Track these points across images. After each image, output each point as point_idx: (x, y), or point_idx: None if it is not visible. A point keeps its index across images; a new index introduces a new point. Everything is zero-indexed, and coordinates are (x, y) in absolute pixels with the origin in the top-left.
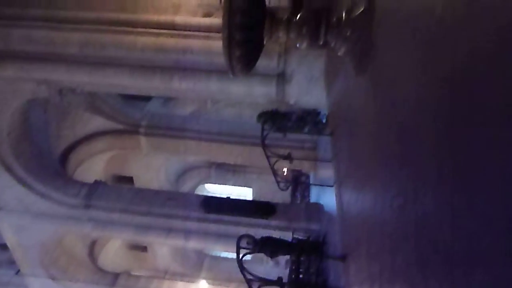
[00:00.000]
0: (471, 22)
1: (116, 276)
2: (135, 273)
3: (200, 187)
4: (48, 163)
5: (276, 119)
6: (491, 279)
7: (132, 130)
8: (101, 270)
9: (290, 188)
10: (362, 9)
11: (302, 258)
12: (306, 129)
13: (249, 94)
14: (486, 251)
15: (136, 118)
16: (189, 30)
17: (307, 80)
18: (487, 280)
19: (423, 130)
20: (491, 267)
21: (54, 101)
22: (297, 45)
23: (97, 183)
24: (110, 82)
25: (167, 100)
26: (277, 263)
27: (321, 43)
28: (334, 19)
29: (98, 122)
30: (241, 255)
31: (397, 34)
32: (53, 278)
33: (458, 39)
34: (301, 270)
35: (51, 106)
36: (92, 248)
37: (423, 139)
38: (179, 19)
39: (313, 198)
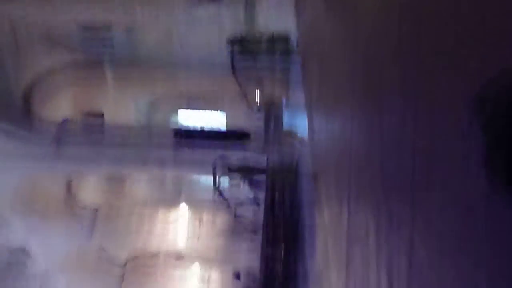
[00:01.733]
0: None
1: (96, 209)
2: (116, 204)
3: (173, 117)
4: (10, 103)
5: (246, 43)
6: (448, 196)
7: (95, 62)
8: (80, 205)
9: (263, 114)
10: None
11: (276, 180)
12: (276, 53)
13: (218, 18)
14: (446, 170)
15: (98, 49)
16: None
17: (276, 3)
18: (445, 197)
19: (386, 60)
20: (449, 189)
21: (6, 38)
22: None
23: (65, 120)
24: (65, 10)
25: (130, 29)
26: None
27: None
28: None
29: (57, 56)
30: (217, 178)
31: None
32: (33, 215)
33: None
34: (275, 191)
35: (4, 44)
36: (69, 184)
37: (386, 70)
38: None
39: (286, 122)
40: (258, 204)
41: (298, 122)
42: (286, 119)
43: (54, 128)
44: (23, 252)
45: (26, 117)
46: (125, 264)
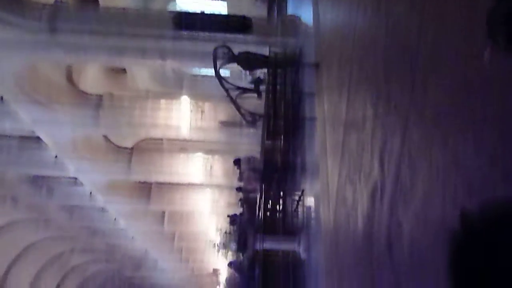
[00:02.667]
0: None
1: (100, 97)
2: (118, 94)
3: (171, 3)
4: None
5: None
6: (450, 81)
7: None
8: (84, 93)
9: (266, 1)
10: None
11: (278, 71)
12: None
13: None
14: (447, 56)
15: None
16: None
17: None
18: (446, 84)
19: None
20: (453, 71)
21: None
22: None
23: (58, 3)
24: None
25: None
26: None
27: None
28: None
29: None
30: (218, 69)
31: None
32: (38, 103)
33: None
34: (277, 82)
35: None
36: (70, 74)
37: None
38: None
39: (290, 10)
40: (259, 95)
41: (303, 9)
42: (290, 6)
43: (47, 13)
44: (34, 139)
45: (17, 4)
46: (132, 149)
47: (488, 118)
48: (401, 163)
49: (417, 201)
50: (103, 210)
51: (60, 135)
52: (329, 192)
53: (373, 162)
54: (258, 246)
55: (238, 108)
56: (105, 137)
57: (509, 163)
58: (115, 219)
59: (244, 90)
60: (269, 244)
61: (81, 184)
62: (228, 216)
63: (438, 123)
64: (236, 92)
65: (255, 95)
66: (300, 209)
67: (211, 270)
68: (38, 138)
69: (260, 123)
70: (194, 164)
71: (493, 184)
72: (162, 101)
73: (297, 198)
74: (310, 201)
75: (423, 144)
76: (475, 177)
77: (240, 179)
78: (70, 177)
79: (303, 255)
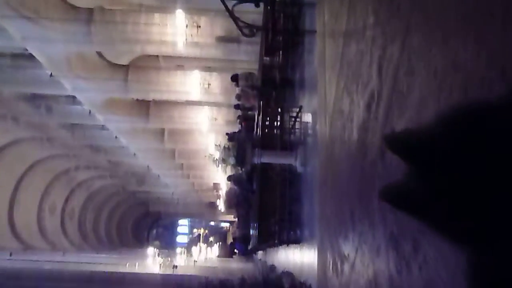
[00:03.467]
0: None
1: (90, 11)
2: (110, 8)
3: None
4: None
5: None
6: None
7: None
8: (73, 7)
9: None
10: None
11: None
12: None
13: None
14: None
15: None
16: None
17: None
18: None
19: None
20: None
21: None
22: None
23: None
24: None
25: None
26: None
27: None
28: None
29: None
30: None
31: None
32: (26, 18)
33: None
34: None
35: None
36: None
37: None
38: None
39: None
40: (257, 5)
41: None
42: None
43: None
44: (27, 56)
45: None
46: (127, 67)
47: (490, 18)
48: (399, 69)
49: (412, 107)
50: (103, 128)
51: (53, 52)
52: (326, 106)
53: (371, 71)
54: (256, 160)
55: (235, 19)
56: (100, 54)
57: (507, 63)
58: (115, 137)
59: (242, 1)
60: (266, 158)
61: (80, 102)
62: (226, 134)
63: (439, 26)
64: (233, 2)
65: (253, 5)
66: (297, 125)
67: (211, 185)
68: (32, 55)
69: (258, 40)
70: (191, 82)
71: (489, 84)
72: (156, 16)
73: (294, 114)
74: (307, 117)
75: (422, 48)
76: (472, 78)
77: (238, 96)
78: (67, 96)
79: (299, 168)
